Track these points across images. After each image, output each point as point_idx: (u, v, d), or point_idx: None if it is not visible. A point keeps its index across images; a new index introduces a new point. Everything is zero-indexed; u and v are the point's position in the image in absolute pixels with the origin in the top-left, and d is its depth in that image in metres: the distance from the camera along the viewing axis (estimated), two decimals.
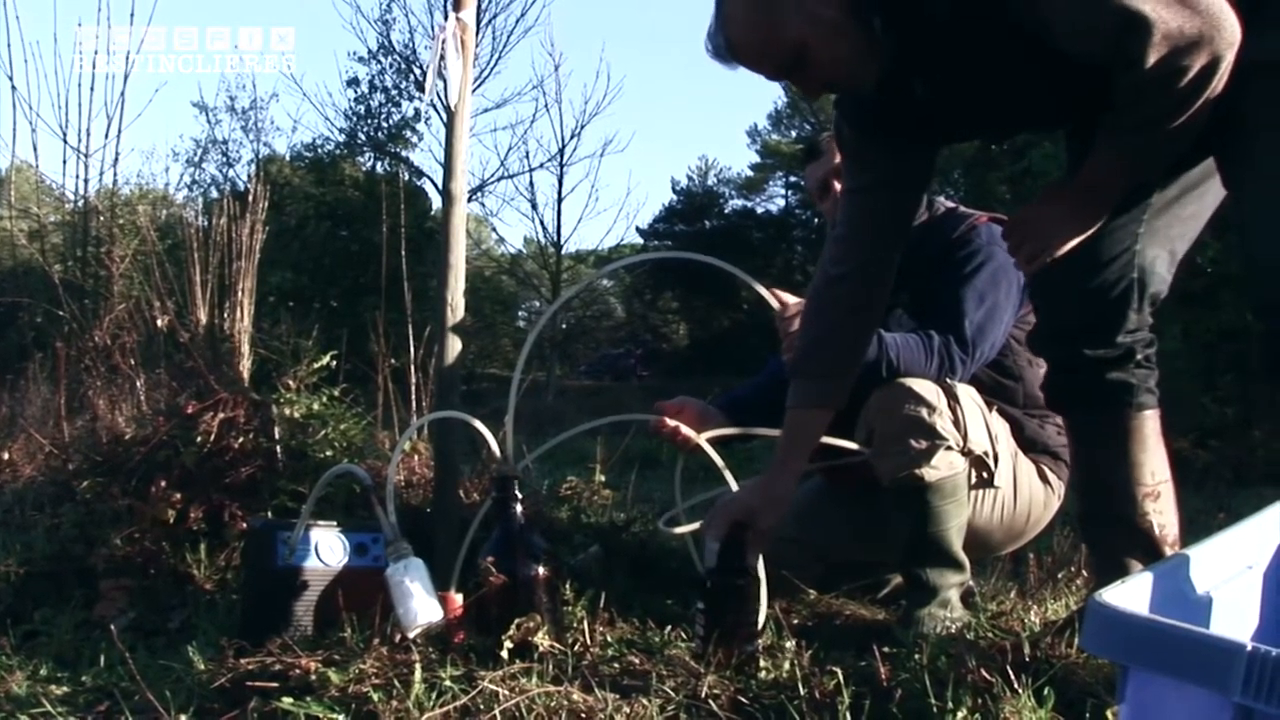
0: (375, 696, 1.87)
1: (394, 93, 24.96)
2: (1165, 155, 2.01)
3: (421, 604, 2.24)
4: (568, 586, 2.44)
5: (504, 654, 2.10)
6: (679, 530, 2.81)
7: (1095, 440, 2.39)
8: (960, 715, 1.85)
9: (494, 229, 29.52)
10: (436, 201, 22.70)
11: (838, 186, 2.99)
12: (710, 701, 1.96)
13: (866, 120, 2.34)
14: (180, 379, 3.80)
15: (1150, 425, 2.34)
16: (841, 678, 1.99)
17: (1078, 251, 2.12)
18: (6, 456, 4.33)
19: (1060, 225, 2.09)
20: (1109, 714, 1.90)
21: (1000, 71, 2.05)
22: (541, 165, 24.04)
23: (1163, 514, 2.32)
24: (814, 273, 2.60)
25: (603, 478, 3.99)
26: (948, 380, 2.67)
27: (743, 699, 2.00)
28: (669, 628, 2.46)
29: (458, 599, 2.39)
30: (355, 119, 25.25)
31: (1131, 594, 1.20)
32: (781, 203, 38.61)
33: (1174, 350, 10.56)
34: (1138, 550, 2.31)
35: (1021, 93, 2.12)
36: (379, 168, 25.62)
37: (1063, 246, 2.09)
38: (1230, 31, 1.78)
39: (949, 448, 2.58)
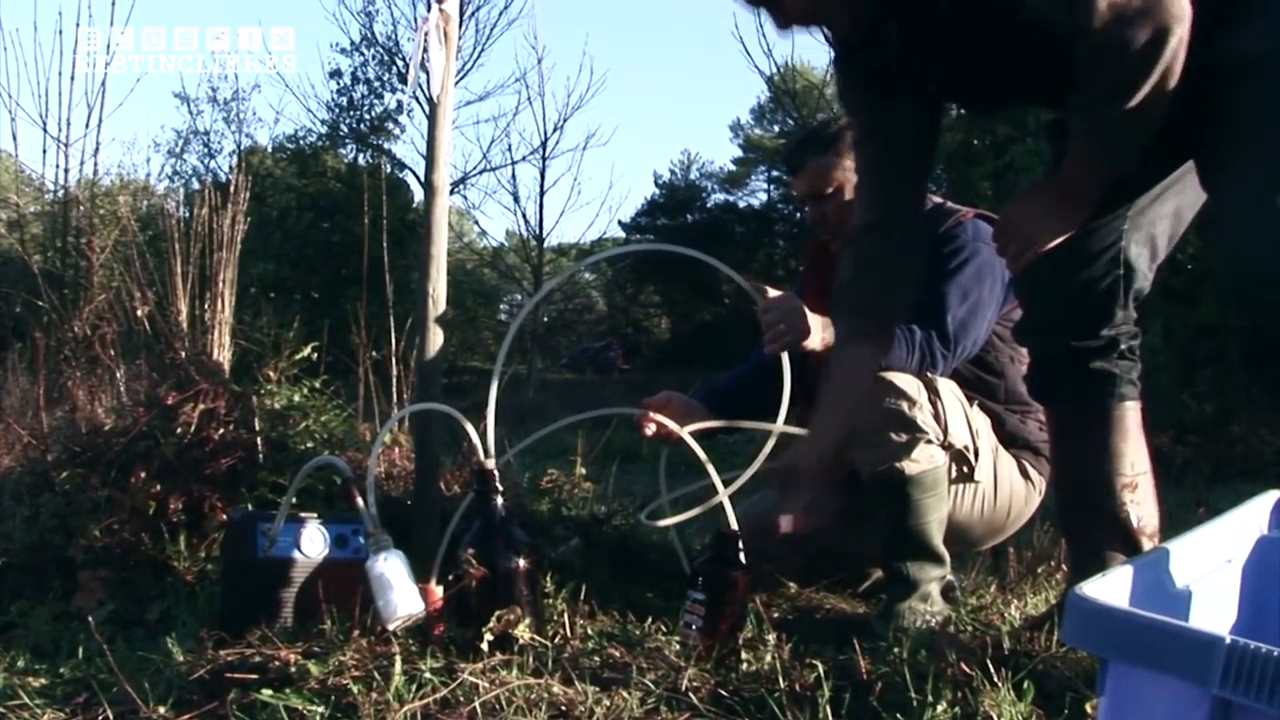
0: (355, 688, 1.87)
1: (376, 84, 24.87)
2: (1134, 138, 2.00)
3: (402, 596, 2.24)
4: (548, 579, 2.44)
5: (484, 646, 2.10)
6: (662, 523, 2.81)
7: (1077, 430, 2.40)
8: (940, 709, 1.86)
9: (476, 222, 29.42)
10: (418, 194, 22.67)
11: (813, 204, 3.02)
12: (690, 694, 1.96)
13: (854, 69, 2.34)
14: (160, 370, 3.78)
15: (1132, 416, 2.36)
16: (822, 671, 2.00)
17: (1064, 247, 2.13)
18: None
19: (1043, 222, 2.10)
20: (1088, 707, 1.91)
21: (967, 39, 2.06)
22: (524, 158, 23.95)
23: (1141, 505, 2.34)
24: (795, 267, 2.60)
25: (584, 470, 4.00)
26: (929, 374, 2.68)
27: (723, 692, 2.00)
28: (649, 620, 2.46)
29: (438, 591, 2.39)
30: (338, 110, 25.15)
31: (1111, 587, 1.21)
32: (764, 197, 38.64)
33: (1155, 346, 10.60)
34: (1116, 541, 2.32)
35: (985, 61, 2.13)
36: (361, 159, 25.52)
37: (1047, 244, 2.10)
38: (1177, 5, 1.80)
39: (929, 441, 2.58)
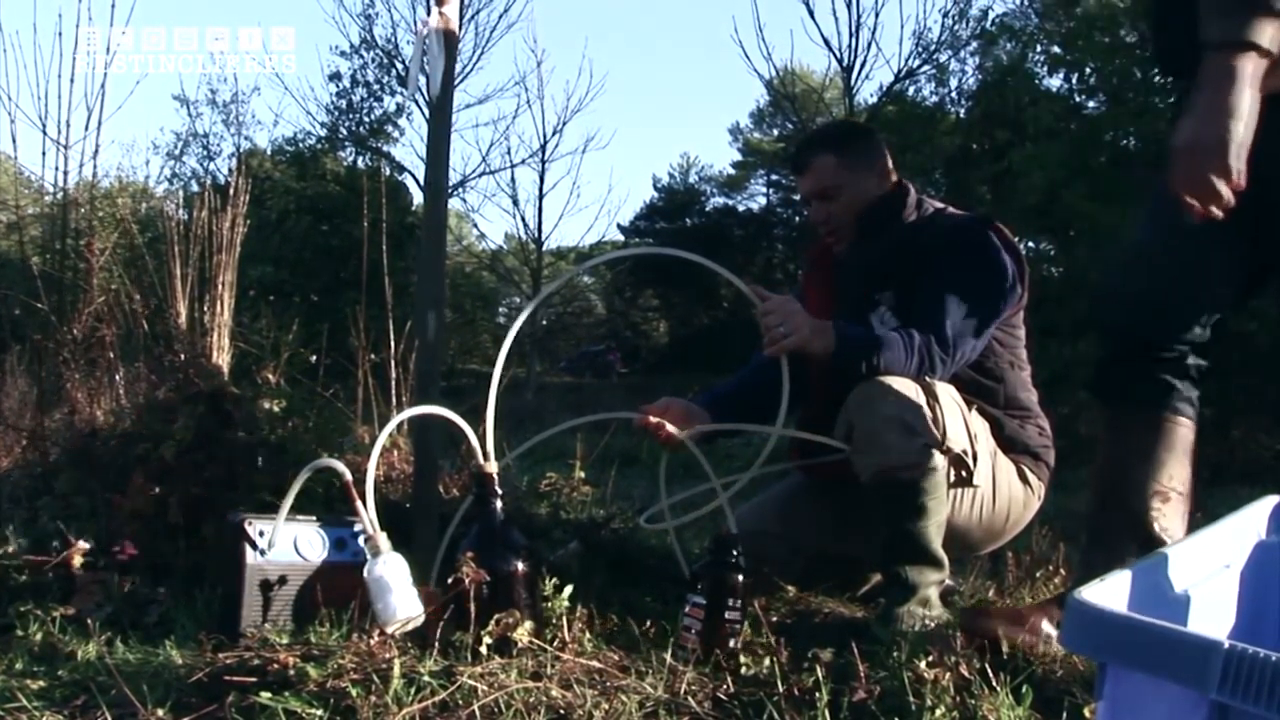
0: (354, 691, 1.87)
1: (376, 87, 24.92)
2: None
3: (400, 599, 2.24)
4: (547, 582, 2.44)
5: (483, 649, 2.10)
6: (661, 527, 2.81)
7: (1124, 433, 2.43)
8: (939, 713, 1.86)
9: (475, 225, 29.44)
10: (418, 197, 22.70)
11: (817, 204, 3.02)
12: (689, 698, 1.96)
13: None
14: (159, 372, 3.78)
15: (1182, 433, 2.39)
16: (820, 675, 2.00)
17: (1173, 258, 2.15)
18: None
19: (1210, 121, 1.97)
20: (1087, 712, 1.91)
21: None
22: (523, 161, 24.04)
23: (1167, 518, 2.35)
24: (794, 270, 2.61)
25: (582, 474, 3.99)
26: (927, 378, 2.68)
27: (721, 695, 2.00)
28: (648, 624, 2.46)
29: (437, 594, 2.38)
30: (337, 113, 25.21)
31: (1110, 592, 1.21)
32: (763, 200, 38.78)
33: None
34: (1134, 545, 2.33)
35: None
36: (360, 162, 25.57)
37: (1239, 136, 1.96)
38: None
39: (928, 445, 2.58)
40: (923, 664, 2.03)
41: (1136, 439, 2.39)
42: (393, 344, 4.30)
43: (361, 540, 2.40)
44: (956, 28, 18.72)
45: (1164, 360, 2.36)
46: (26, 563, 2.85)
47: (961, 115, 19.47)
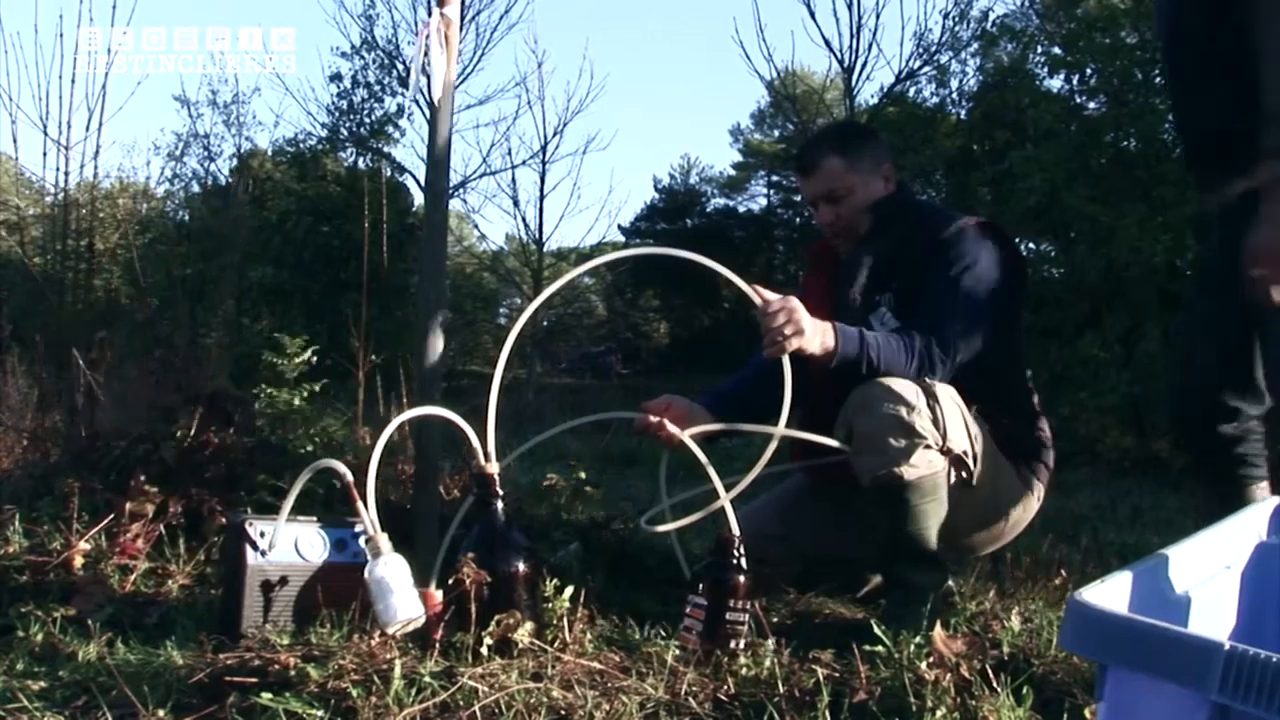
0: (354, 692, 1.87)
1: (376, 88, 24.86)
2: None
3: (401, 600, 2.23)
4: (548, 583, 2.44)
5: (484, 650, 2.10)
6: (661, 528, 2.80)
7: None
8: (939, 714, 1.86)
9: (475, 226, 29.40)
10: (418, 198, 22.66)
11: (825, 206, 3.01)
12: (690, 699, 1.96)
13: None
14: (160, 373, 3.78)
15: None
16: (820, 676, 2.00)
17: None
18: None
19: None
20: (1087, 713, 1.91)
21: None
22: (524, 162, 23.86)
23: None
24: (794, 271, 2.61)
25: (583, 475, 3.99)
26: (927, 380, 2.67)
27: (722, 697, 2.00)
28: (649, 625, 2.46)
29: (438, 595, 2.38)
30: (337, 114, 25.13)
31: (1110, 593, 1.21)
32: (763, 201, 38.72)
33: (1154, 352, 10.60)
34: None
35: None
36: (361, 163, 25.51)
37: None
38: None
39: (928, 446, 2.58)
40: (923, 665, 2.03)
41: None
42: (393, 345, 4.30)
43: (362, 541, 2.39)
44: (957, 29, 18.64)
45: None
46: (27, 564, 2.86)
47: (962, 116, 19.44)
